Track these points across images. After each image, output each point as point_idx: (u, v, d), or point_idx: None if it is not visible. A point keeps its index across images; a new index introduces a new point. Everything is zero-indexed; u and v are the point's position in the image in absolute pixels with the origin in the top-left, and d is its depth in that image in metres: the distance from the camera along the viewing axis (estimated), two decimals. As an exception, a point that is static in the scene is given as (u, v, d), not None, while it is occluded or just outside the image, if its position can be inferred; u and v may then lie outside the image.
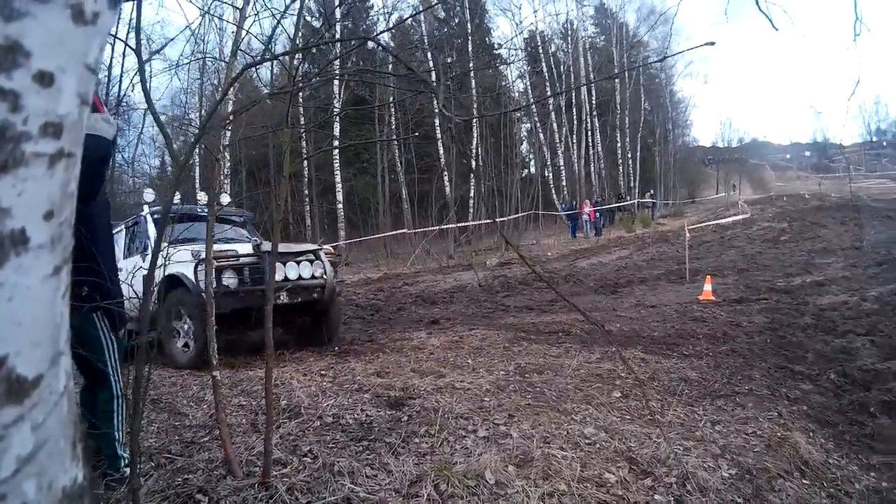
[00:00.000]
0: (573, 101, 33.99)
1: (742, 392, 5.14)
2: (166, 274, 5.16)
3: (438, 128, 25.76)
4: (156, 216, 6.99)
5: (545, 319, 7.97)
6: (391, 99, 19.18)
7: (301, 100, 20.19)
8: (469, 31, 29.52)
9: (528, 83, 34.29)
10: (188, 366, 5.98)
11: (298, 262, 6.51)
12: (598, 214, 27.85)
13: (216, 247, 5.28)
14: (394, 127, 26.26)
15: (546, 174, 33.51)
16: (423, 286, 12.18)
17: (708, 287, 9.61)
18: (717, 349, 6.46)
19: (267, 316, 2.82)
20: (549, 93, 31.43)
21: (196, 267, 5.96)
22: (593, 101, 35.61)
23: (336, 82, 21.90)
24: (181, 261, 6.05)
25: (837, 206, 22.94)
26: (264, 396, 3.07)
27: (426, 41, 28.46)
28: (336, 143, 19.34)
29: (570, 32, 36.20)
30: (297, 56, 3.08)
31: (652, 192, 36.63)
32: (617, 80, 35.78)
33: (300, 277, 6.49)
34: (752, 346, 6.78)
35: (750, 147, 54.74)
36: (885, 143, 69.33)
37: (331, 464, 3.02)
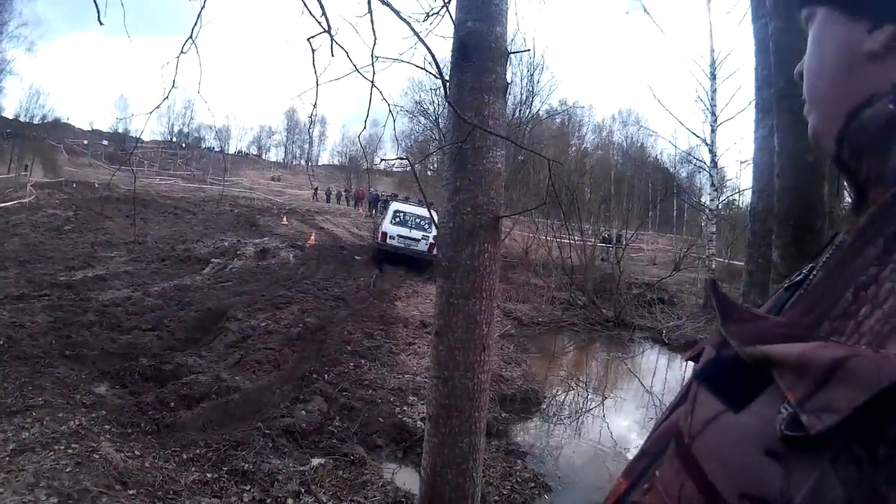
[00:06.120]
0: None
1: (37, 405, 4.90)
2: None
3: None
4: None
5: None
6: None
7: None
8: None
9: None
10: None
11: None
12: None
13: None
14: None
15: None
16: None
17: (-14, 283, 8.75)
18: (3, 356, 5.98)
19: None
20: None
21: None
22: None
23: None
24: None
25: (126, 198, 22.82)
26: None
27: None
28: None
29: None
30: None
31: (-61, 161, 31.06)
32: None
33: None
34: (39, 349, 6.45)
35: (51, 127, 50.84)
36: (183, 145, 75.62)
37: None
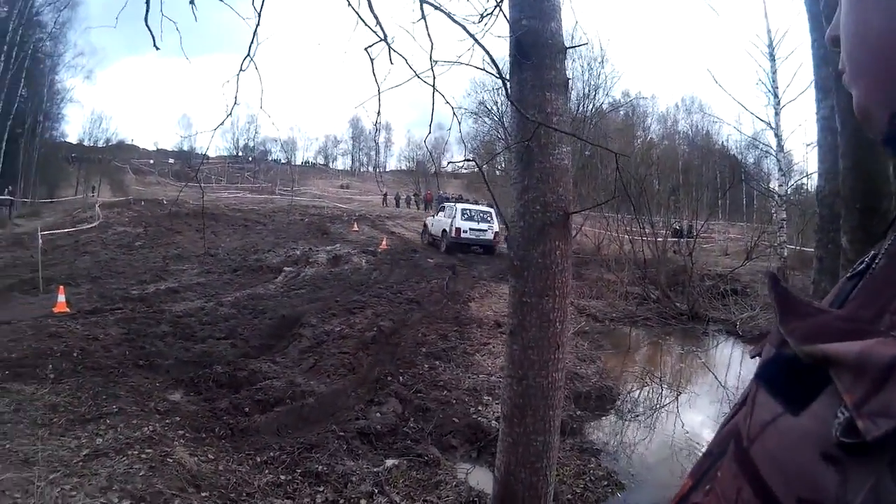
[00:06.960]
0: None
1: (111, 413, 5.02)
2: None
3: None
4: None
5: None
6: None
7: None
8: None
9: None
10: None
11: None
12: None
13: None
14: None
15: None
16: None
17: (62, 298, 9.14)
18: (77, 368, 6.18)
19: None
20: None
21: None
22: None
23: None
24: None
25: (195, 213, 23.41)
26: None
27: None
28: None
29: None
30: None
31: (11, 188, 31.83)
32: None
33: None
34: (112, 360, 6.65)
35: (115, 149, 53.21)
36: (250, 159, 77.50)
37: None
